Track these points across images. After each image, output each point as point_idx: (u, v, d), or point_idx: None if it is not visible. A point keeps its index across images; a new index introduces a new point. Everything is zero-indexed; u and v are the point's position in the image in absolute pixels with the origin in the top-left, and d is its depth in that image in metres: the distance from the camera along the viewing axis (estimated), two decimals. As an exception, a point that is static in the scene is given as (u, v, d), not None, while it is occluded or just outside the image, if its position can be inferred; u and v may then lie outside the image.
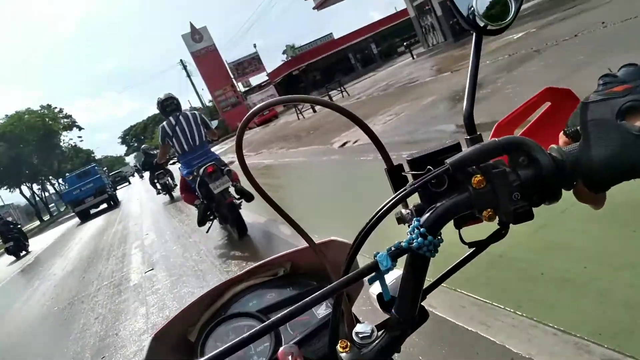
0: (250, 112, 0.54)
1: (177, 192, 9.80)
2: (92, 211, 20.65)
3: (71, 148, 53.56)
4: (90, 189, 19.93)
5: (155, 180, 12.32)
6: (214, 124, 5.47)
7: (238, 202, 4.92)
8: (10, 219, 19.32)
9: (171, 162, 6.39)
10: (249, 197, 4.85)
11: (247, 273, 0.83)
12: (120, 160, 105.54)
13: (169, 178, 12.02)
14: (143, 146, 13.96)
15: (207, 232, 5.26)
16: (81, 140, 75.84)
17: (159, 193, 12.65)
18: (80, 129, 53.50)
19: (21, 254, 15.52)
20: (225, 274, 4.11)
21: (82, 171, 21.78)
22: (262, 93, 44.12)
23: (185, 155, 4.89)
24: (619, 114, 0.36)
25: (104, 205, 21.02)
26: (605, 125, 0.37)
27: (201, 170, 4.57)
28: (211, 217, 5.18)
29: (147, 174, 14.45)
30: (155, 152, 11.96)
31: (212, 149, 5.33)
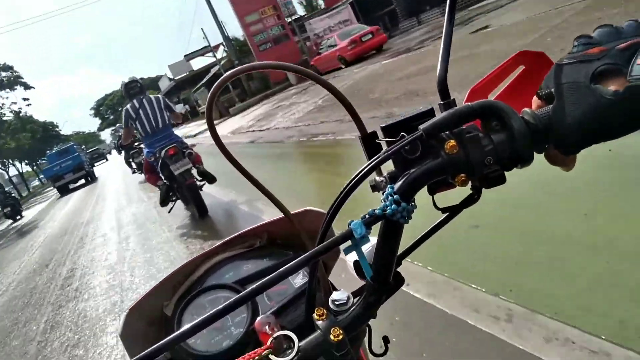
0: (220, 79, 0.52)
1: None
2: (71, 186, 22.39)
3: (15, 116, 41.93)
4: (69, 166, 21.74)
5: (130, 160, 12.16)
6: (179, 107, 5.66)
7: (201, 183, 5.17)
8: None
9: (136, 144, 6.51)
10: (211, 179, 5.13)
11: (223, 245, 0.82)
12: (94, 137, 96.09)
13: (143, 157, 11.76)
14: (118, 124, 13.70)
15: (169, 212, 5.55)
16: (28, 105, 66.99)
17: (134, 172, 12.54)
18: (27, 87, 41.30)
19: (17, 218, 18.42)
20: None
21: (62, 149, 23.55)
22: (331, 17, 22.67)
23: (148, 138, 5.08)
24: (593, 77, 0.36)
25: (82, 181, 22.98)
26: (579, 88, 0.36)
27: (163, 152, 4.76)
28: (173, 198, 5.47)
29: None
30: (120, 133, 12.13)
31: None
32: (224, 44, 25.57)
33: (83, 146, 42.30)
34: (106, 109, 78.27)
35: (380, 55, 14.75)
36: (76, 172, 21.90)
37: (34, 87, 43.73)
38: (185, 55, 27.27)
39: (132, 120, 4.99)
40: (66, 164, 21.78)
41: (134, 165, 12.19)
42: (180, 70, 36.21)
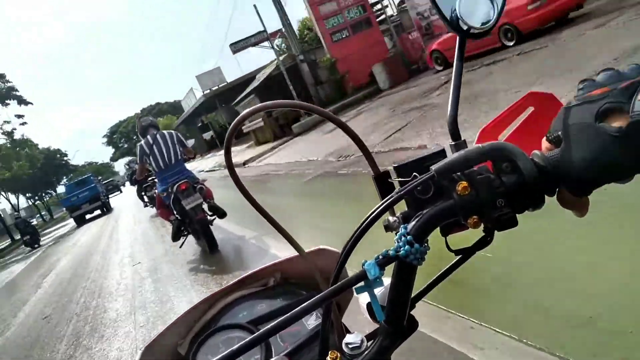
0: (239, 117, 0.54)
1: None
2: (87, 217, 23.06)
3: (8, 138, 35.21)
4: (86, 197, 22.49)
5: (143, 193, 12.39)
6: (190, 142, 5.69)
7: (211, 218, 5.25)
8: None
9: (150, 178, 6.74)
10: (221, 214, 5.21)
11: (237, 283, 0.82)
12: (107, 168, 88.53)
13: (157, 191, 11.88)
14: (131, 158, 14.10)
15: (180, 247, 5.55)
16: (23, 124, 41.03)
17: (146, 206, 12.75)
18: (22, 102, 34.25)
19: (35, 246, 19.54)
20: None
21: (80, 180, 24.74)
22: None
23: (161, 173, 5.14)
24: (598, 116, 0.36)
25: (98, 212, 23.55)
26: (585, 129, 0.37)
27: (175, 187, 4.86)
28: (185, 233, 5.50)
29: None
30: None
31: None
32: (284, 30, 18.08)
33: (100, 177, 42.73)
34: (120, 136, 71.77)
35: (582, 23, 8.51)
36: (92, 203, 22.68)
37: (31, 103, 36.86)
38: (231, 45, 17.91)
39: (146, 156, 5.12)
40: (83, 194, 22.57)
41: (146, 199, 12.33)
42: (212, 82, 27.95)
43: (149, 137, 5.15)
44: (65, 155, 56.64)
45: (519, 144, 0.40)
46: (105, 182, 43.27)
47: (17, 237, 22.35)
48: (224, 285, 0.84)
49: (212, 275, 4.52)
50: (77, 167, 67.80)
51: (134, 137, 60.14)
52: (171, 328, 0.76)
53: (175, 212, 5.16)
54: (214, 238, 5.22)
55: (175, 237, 5.43)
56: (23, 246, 20.44)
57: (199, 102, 29.60)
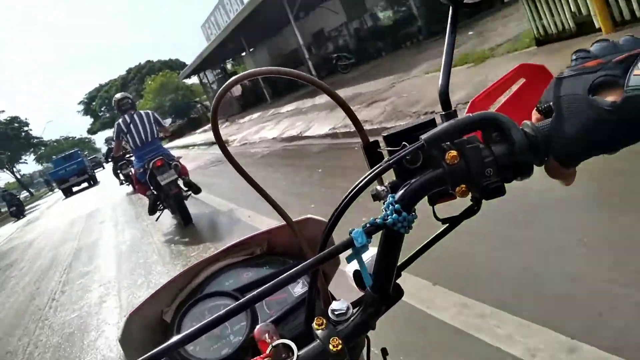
0: (224, 86, 0.52)
1: None
2: (74, 189, 24.75)
3: None
4: (74, 170, 24.11)
5: (118, 171, 12.66)
6: (167, 122, 5.96)
7: (186, 194, 5.61)
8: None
9: (127, 155, 6.96)
10: (196, 190, 5.58)
11: (223, 252, 0.82)
12: (87, 143, 74.09)
13: (132, 168, 12.04)
14: (107, 137, 14.33)
15: (156, 220, 5.93)
16: None
17: (121, 184, 13.12)
18: None
19: (20, 217, 21.70)
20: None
21: (67, 154, 26.26)
22: None
23: (138, 150, 5.45)
24: (591, 89, 0.36)
25: (85, 184, 25.25)
26: (577, 101, 0.37)
27: (151, 163, 5.17)
28: (161, 207, 5.83)
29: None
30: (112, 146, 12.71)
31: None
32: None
33: (86, 152, 42.44)
34: (100, 103, 55.55)
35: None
36: (80, 176, 24.31)
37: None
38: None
39: (123, 134, 5.39)
40: (71, 168, 24.12)
41: (121, 177, 12.68)
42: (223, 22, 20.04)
43: (126, 116, 5.43)
44: (26, 124, 49.40)
45: (510, 115, 0.40)
46: (89, 158, 42.46)
47: (4, 209, 25.02)
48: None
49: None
50: (48, 142, 59.97)
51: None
52: (156, 295, 0.76)
53: (151, 188, 5.46)
54: (188, 212, 5.56)
55: (152, 211, 5.76)
56: (10, 216, 22.71)
57: (201, 58, 23.63)
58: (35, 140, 53.40)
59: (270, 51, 24.04)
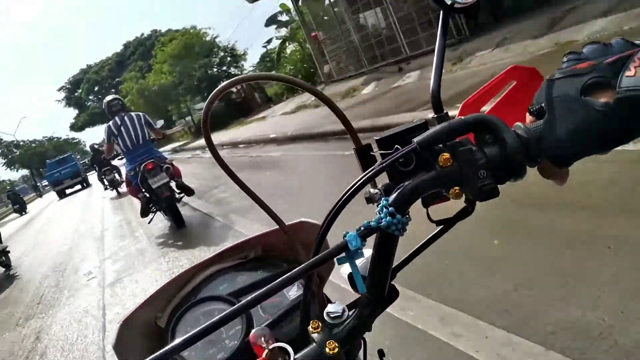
0: (216, 90, 0.53)
1: (123, 188, 11.57)
2: (68, 191, 25.92)
3: None
4: (68, 173, 25.52)
5: (103, 177, 12.97)
6: (159, 124, 5.97)
7: (179, 196, 5.60)
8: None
9: (118, 157, 6.97)
10: (189, 192, 5.62)
11: (217, 256, 0.81)
12: (74, 145, 61.87)
13: (116, 174, 12.76)
14: (91, 144, 14.75)
15: (149, 222, 5.91)
16: None
17: (106, 189, 13.40)
18: None
19: (23, 213, 24.40)
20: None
21: (61, 158, 27.33)
22: None
23: (129, 153, 5.47)
24: (583, 90, 0.37)
25: (79, 186, 26.32)
26: (570, 101, 0.37)
27: (142, 166, 5.13)
28: (153, 209, 5.79)
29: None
30: (102, 148, 12.53)
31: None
32: None
33: (79, 156, 41.65)
34: (88, 87, 42.97)
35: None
36: (74, 178, 25.63)
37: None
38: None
39: (114, 137, 5.34)
40: (65, 171, 25.44)
41: (106, 182, 12.98)
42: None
43: (116, 118, 5.39)
44: None
45: (502, 117, 0.41)
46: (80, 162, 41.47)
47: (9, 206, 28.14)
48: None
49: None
50: (21, 143, 48.80)
51: (113, 90, 36.29)
52: (149, 301, 0.75)
53: (143, 190, 5.45)
54: (181, 215, 5.57)
55: (144, 213, 5.72)
56: (13, 212, 25.82)
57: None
58: (3, 142, 46.48)
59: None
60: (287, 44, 21.48)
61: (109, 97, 5.69)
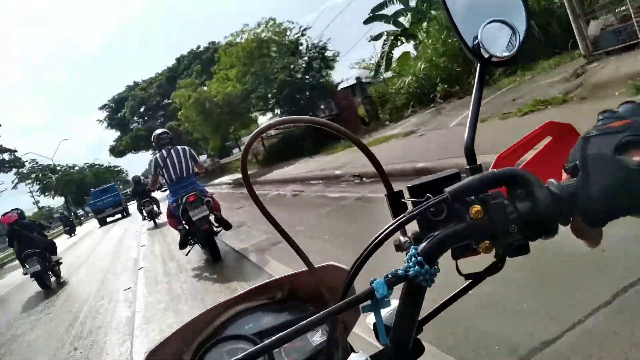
0: (256, 131, 0.55)
1: (160, 219, 12.64)
2: (108, 220, 27.28)
3: None
4: (110, 202, 26.93)
5: (142, 207, 13.59)
6: (202, 158, 6.15)
7: (217, 230, 5.67)
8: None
9: (162, 190, 7.27)
10: (226, 226, 5.73)
11: (245, 295, 0.82)
12: (116, 173, 59.21)
13: (155, 206, 13.26)
14: (133, 176, 15.44)
15: (186, 254, 5.97)
16: None
17: (144, 219, 13.98)
18: None
19: (72, 234, 25.90)
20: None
21: (104, 188, 29.02)
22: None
23: (173, 185, 5.58)
24: (618, 149, 0.36)
25: (119, 215, 27.53)
26: (604, 160, 0.37)
27: (184, 198, 5.28)
28: (191, 242, 5.88)
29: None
30: (145, 181, 14.01)
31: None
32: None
33: (121, 185, 43.24)
34: (133, 106, 38.87)
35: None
36: (115, 207, 26.95)
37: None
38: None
39: (159, 168, 5.57)
40: (107, 200, 26.92)
41: (144, 213, 13.59)
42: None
43: (163, 150, 5.63)
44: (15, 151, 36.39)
45: (536, 173, 0.40)
46: (123, 192, 42.59)
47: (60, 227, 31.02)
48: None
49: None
50: (57, 167, 44.70)
51: (161, 111, 33.55)
52: (176, 335, 0.76)
53: (183, 222, 5.57)
54: (218, 248, 5.59)
55: (183, 245, 5.80)
56: (64, 234, 27.39)
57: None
58: (38, 165, 42.45)
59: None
60: (398, 42, 16.17)
61: (158, 131, 5.95)
